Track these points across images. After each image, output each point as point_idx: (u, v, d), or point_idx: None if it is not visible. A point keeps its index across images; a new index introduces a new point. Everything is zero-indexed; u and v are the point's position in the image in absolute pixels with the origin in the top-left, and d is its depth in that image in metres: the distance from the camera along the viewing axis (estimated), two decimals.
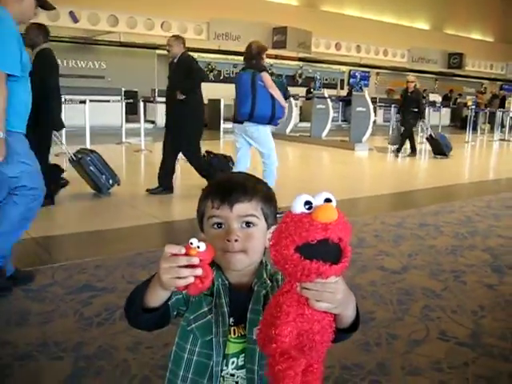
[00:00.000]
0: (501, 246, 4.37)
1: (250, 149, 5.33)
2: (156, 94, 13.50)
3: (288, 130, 14.16)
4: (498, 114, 17.47)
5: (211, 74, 17.39)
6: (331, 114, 14.00)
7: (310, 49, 17.42)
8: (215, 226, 1.11)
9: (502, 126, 17.84)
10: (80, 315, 2.75)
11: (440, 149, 10.78)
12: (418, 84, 11.46)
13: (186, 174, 7.47)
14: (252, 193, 1.12)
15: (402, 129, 11.14)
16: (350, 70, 21.31)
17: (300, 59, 18.63)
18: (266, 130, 5.12)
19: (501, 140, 16.35)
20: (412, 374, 2.28)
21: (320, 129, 13.41)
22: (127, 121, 11.70)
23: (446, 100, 21.39)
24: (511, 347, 2.57)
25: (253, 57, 5.05)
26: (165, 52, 15.84)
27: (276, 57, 17.78)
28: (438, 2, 23.46)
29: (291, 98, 14.49)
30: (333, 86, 20.58)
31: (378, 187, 7.29)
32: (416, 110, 10.85)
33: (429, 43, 21.62)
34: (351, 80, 21.38)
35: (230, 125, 14.51)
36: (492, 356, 2.48)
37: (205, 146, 11.92)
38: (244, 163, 5.26)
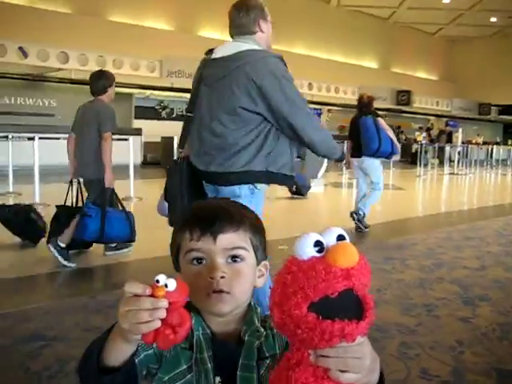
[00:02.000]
0: (467, 277, 4.30)
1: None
2: None
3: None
4: (447, 148, 17.94)
5: (164, 111, 17.24)
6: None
7: None
8: (195, 261, 0.91)
9: (451, 160, 18.31)
10: (26, 369, 2.46)
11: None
12: None
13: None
14: (239, 220, 0.94)
15: None
16: None
17: None
18: (379, 162, 6.25)
19: (450, 174, 16.73)
20: None
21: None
22: None
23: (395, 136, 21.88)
24: (496, 383, 2.44)
25: (365, 105, 6.37)
26: (116, 89, 15.69)
27: None
28: (385, 42, 24.28)
29: None
30: None
31: (338, 223, 7.20)
32: None
33: (378, 81, 22.19)
34: None
35: None
36: None
37: (159, 183, 11.77)
38: (364, 189, 6.31)
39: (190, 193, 2.52)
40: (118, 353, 0.80)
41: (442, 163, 18.79)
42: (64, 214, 4.49)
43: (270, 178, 2.45)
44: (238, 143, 2.38)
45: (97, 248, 4.74)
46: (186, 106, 2.70)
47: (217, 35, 18.20)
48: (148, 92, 16.57)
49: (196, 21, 17.92)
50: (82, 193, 4.62)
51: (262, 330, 0.94)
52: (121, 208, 4.69)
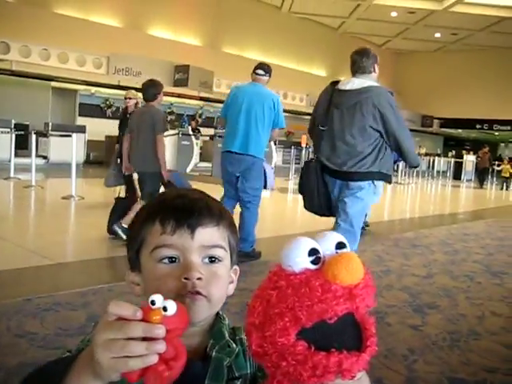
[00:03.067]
0: (416, 284, 4.30)
1: None
2: (50, 128, 12.74)
3: (188, 169, 13.88)
4: None
5: (109, 110, 16.81)
6: None
7: (212, 88, 17.41)
8: (166, 260, 0.75)
9: (394, 170, 18.68)
10: None
11: None
12: None
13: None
14: (219, 214, 0.80)
15: None
16: None
17: (201, 98, 18.55)
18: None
19: (394, 183, 17.03)
20: None
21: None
22: (16, 155, 10.86)
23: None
24: None
25: None
26: (60, 85, 15.20)
27: (178, 95, 17.59)
28: (334, 51, 24.60)
29: (193, 138, 14.32)
30: None
31: (280, 227, 7.14)
32: None
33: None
34: None
35: None
36: None
37: (99, 182, 11.43)
38: None
39: (322, 185, 3.56)
40: None
41: None
42: (122, 204, 5.42)
43: (381, 176, 3.53)
44: (364, 152, 3.41)
45: (33, 250, 4.46)
46: (318, 121, 3.63)
47: (167, 35, 17.95)
48: (93, 89, 16.12)
49: (145, 18, 17.58)
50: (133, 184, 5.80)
51: (234, 345, 0.80)
52: None
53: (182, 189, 0.87)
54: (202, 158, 15.88)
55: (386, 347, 2.86)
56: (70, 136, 8.39)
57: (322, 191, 3.57)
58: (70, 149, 8.22)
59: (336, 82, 3.63)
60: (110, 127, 15.51)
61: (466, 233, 7.40)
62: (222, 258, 0.79)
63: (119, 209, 5.32)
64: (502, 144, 34.21)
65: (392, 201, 13.17)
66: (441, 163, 22.37)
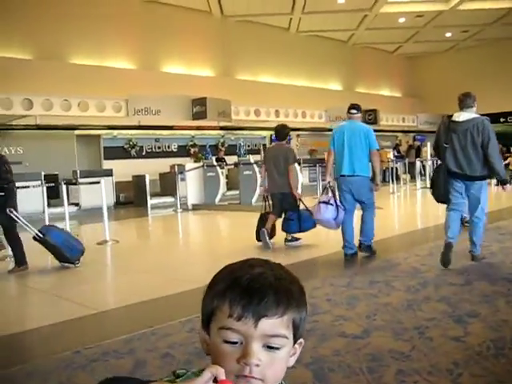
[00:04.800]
0: (454, 294, 4.29)
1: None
2: (78, 176, 13.05)
3: (217, 200, 14.02)
4: (418, 163, 18.16)
5: (133, 150, 17.14)
6: (259, 179, 14.02)
7: (230, 117, 17.59)
8: (229, 342, 0.83)
9: (422, 174, 18.53)
10: None
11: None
12: None
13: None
14: (286, 303, 0.84)
15: None
16: (271, 135, 21.68)
17: (221, 128, 18.77)
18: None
19: (423, 188, 16.90)
20: None
21: (249, 195, 13.33)
22: (49, 205, 11.13)
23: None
24: None
25: None
26: (83, 132, 15.61)
27: (197, 128, 17.84)
28: (347, 64, 24.68)
29: (218, 168, 14.48)
30: (256, 152, 20.80)
31: (316, 248, 7.15)
32: None
33: (343, 102, 22.35)
34: (272, 144, 21.73)
35: (157, 200, 14.32)
36: None
37: (134, 223, 11.62)
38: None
39: (447, 182, 5.34)
40: None
41: (413, 178, 19.00)
42: (265, 216, 7.19)
43: (487, 177, 5.39)
44: (477, 163, 5.18)
45: (74, 300, 4.58)
46: (439, 141, 5.46)
47: (181, 70, 18.29)
48: (115, 132, 16.48)
49: (158, 57, 17.95)
50: (268, 202, 7.34)
51: None
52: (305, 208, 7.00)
53: (258, 265, 0.89)
54: (229, 187, 16.02)
55: (430, 363, 2.88)
56: (98, 183, 8.58)
57: (446, 186, 5.38)
58: (100, 193, 8.41)
59: (450, 116, 5.42)
60: (136, 167, 15.84)
61: (502, 232, 7.30)
62: (282, 344, 0.84)
63: (264, 221, 7.13)
64: None
65: (423, 207, 13.07)
66: None
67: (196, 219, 12.28)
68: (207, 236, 9.74)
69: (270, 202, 7.30)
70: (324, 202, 6.18)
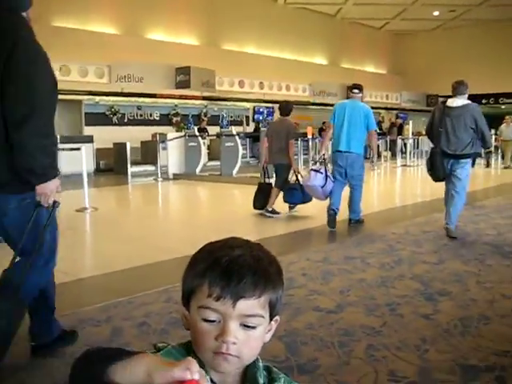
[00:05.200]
0: (427, 272, 4.39)
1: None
2: (58, 141, 12.88)
3: (198, 170, 14.01)
4: (399, 141, 18.28)
5: (115, 117, 16.97)
6: (240, 151, 14.03)
7: (214, 87, 17.48)
8: (208, 320, 0.87)
9: (402, 152, 18.68)
10: None
11: None
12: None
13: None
14: (263, 285, 0.88)
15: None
16: (255, 107, 21.61)
17: (204, 98, 18.65)
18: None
19: (403, 165, 17.08)
20: None
21: (230, 166, 13.35)
22: None
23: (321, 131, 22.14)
24: (461, 381, 2.49)
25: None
26: (65, 97, 15.36)
27: (180, 97, 17.70)
28: (333, 38, 24.57)
29: (199, 138, 14.43)
30: (239, 123, 20.73)
31: (295, 222, 7.24)
32: None
33: (328, 77, 22.42)
34: (256, 116, 21.66)
35: (137, 168, 14.25)
36: None
37: (114, 191, 11.58)
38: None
39: (442, 162, 5.82)
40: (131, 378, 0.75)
41: (394, 155, 19.15)
42: (265, 187, 7.60)
43: (475, 154, 6.08)
44: (466, 142, 5.68)
45: None
46: (433, 125, 5.99)
47: (165, 37, 18.05)
48: (97, 98, 16.29)
49: (143, 23, 17.68)
50: (267, 173, 7.82)
51: None
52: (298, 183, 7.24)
53: (238, 245, 0.92)
54: (210, 157, 16.01)
55: (399, 339, 2.97)
56: (79, 149, 8.51)
57: (443, 166, 5.84)
58: (80, 160, 8.35)
59: (444, 102, 5.98)
60: (117, 134, 15.71)
61: (476, 213, 7.45)
62: (258, 323, 0.89)
63: (263, 190, 7.58)
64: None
65: (402, 184, 13.23)
66: None
67: (176, 189, 12.28)
68: (187, 206, 9.77)
69: (272, 174, 7.83)
70: (315, 170, 6.68)
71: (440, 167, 5.85)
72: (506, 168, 16.47)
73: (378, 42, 27.22)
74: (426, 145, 20.23)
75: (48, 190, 2.48)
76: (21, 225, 2.46)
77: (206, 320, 0.87)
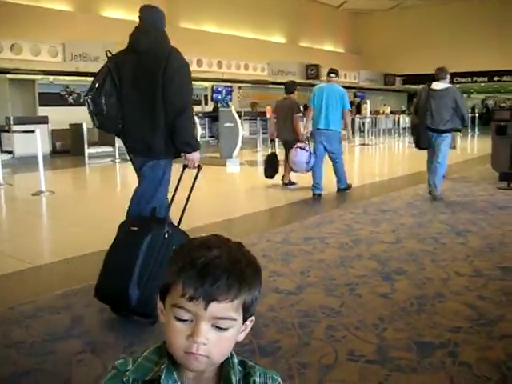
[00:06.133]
0: (384, 252, 4.49)
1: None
2: (11, 122, 12.54)
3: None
4: (356, 120, 18.46)
5: (70, 97, 16.56)
6: (200, 131, 13.93)
7: None
8: (180, 319, 0.88)
9: (361, 130, 18.90)
10: None
11: None
12: None
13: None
14: (238, 288, 0.88)
15: None
16: (213, 86, 21.42)
17: None
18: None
19: (361, 144, 17.28)
20: None
21: None
22: None
23: (306, 110, 22.26)
24: (417, 358, 2.57)
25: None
26: (17, 76, 14.91)
27: None
28: (292, 17, 24.48)
29: None
30: (197, 103, 20.54)
31: (256, 203, 7.27)
32: None
33: (286, 56, 22.39)
34: (214, 95, 21.49)
35: (95, 149, 13.98)
36: (402, 370, 2.46)
37: (71, 173, 11.37)
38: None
39: (427, 135, 6.86)
40: None
41: (352, 134, 19.33)
42: (272, 157, 8.54)
43: (454, 129, 7.16)
44: (447, 118, 6.71)
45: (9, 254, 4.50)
46: (419, 104, 7.01)
47: (120, 14, 17.62)
48: (51, 77, 15.84)
49: (96, 0, 17.23)
50: (274, 145, 9.17)
51: None
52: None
53: (216, 246, 0.91)
54: None
55: (358, 318, 3.05)
56: (33, 131, 8.30)
57: (427, 138, 6.90)
58: (35, 141, 8.15)
59: (430, 85, 6.94)
60: (74, 114, 15.33)
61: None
62: (230, 326, 0.89)
63: (271, 160, 8.50)
64: (465, 95, 34.66)
65: (360, 164, 13.40)
66: (406, 120, 22.65)
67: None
68: None
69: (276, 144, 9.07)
70: (301, 148, 7.64)
71: (424, 139, 6.92)
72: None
73: (337, 21, 27.31)
74: (384, 123, 20.57)
75: (195, 158, 3.49)
76: (155, 178, 3.51)
77: (178, 319, 0.87)
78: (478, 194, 7.41)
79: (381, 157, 15.55)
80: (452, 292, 3.49)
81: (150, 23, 3.49)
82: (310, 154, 7.50)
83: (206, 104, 20.75)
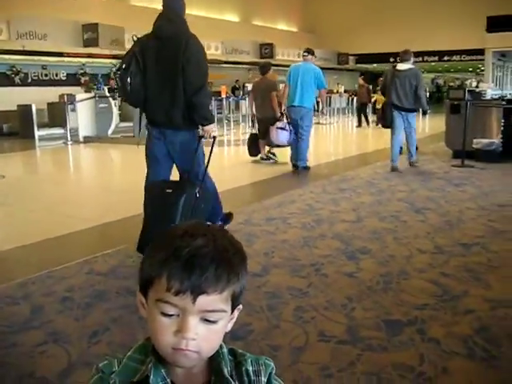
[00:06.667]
0: (347, 231, 4.50)
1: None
2: None
3: (110, 132, 13.54)
4: None
5: (17, 77, 15.96)
6: None
7: (124, 45, 16.79)
8: (166, 314, 0.81)
9: (315, 109, 18.90)
10: None
11: None
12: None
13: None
14: (227, 278, 0.82)
15: None
16: None
17: (114, 57, 17.89)
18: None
19: (316, 123, 17.29)
20: None
21: (144, 128, 12.95)
22: None
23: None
24: (387, 337, 2.58)
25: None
26: None
27: (88, 56, 16.90)
28: None
29: (110, 99, 13.91)
30: None
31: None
32: None
33: (240, 35, 22.16)
34: None
35: (45, 131, 13.54)
36: (373, 349, 2.46)
37: (21, 156, 10.97)
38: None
39: (392, 113, 7.50)
40: None
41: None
42: (255, 137, 8.92)
43: (417, 109, 8.09)
44: (411, 97, 7.39)
45: None
46: (386, 84, 7.72)
47: None
48: None
49: None
50: (254, 125, 9.36)
51: (233, 383, 0.87)
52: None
53: (201, 234, 0.84)
54: (122, 119, 15.48)
55: (326, 299, 3.04)
56: None
57: (391, 116, 7.52)
58: None
59: (395, 66, 7.64)
60: (21, 95, 14.79)
61: (388, 170, 7.70)
62: (219, 319, 0.83)
63: (253, 140, 8.91)
64: None
65: (316, 143, 13.42)
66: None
67: (88, 152, 11.84)
68: (101, 170, 9.43)
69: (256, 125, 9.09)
70: (280, 128, 7.99)
71: (389, 116, 7.56)
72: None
73: (289, 0, 27.18)
74: (338, 102, 20.68)
75: (211, 129, 4.04)
76: (184, 148, 4.03)
77: (164, 314, 0.81)
78: (433, 172, 7.55)
79: (336, 136, 15.66)
80: (416, 269, 3.52)
81: (173, 10, 4.04)
82: (290, 131, 7.89)
83: None
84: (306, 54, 8.11)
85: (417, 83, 7.37)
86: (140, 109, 4.11)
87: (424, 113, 8.73)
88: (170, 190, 3.76)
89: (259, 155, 8.85)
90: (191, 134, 4.04)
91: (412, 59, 7.69)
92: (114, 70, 18.57)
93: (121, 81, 3.94)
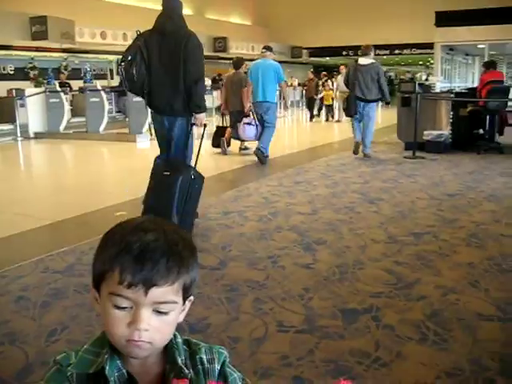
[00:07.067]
0: (303, 223, 4.57)
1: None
2: None
3: (61, 128, 13.25)
4: None
5: None
6: (107, 106, 13.45)
7: (74, 38, 16.46)
8: (119, 307, 0.83)
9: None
10: None
11: None
12: None
13: None
14: (177, 271, 0.84)
15: None
16: (119, 59, 20.73)
17: (64, 50, 17.52)
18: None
19: None
20: (266, 377, 2.19)
21: (96, 123, 12.77)
22: None
23: (215, 83, 22.05)
24: (343, 325, 2.64)
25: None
26: None
27: (37, 49, 16.47)
28: None
29: (61, 93, 13.60)
30: (103, 77, 19.82)
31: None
32: None
33: (193, 28, 21.82)
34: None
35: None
36: (330, 337, 2.52)
37: None
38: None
39: (356, 105, 8.10)
40: None
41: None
42: (220, 130, 9.29)
43: (378, 100, 8.63)
44: (374, 89, 7.99)
45: None
46: (349, 78, 8.26)
47: None
48: None
49: None
50: (224, 118, 9.44)
51: (186, 371, 0.89)
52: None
53: (152, 229, 0.86)
54: (74, 114, 15.17)
55: (283, 290, 3.08)
56: None
57: (355, 107, 8.05)
58: None
59: (357, 61, 8.16)
60: None
61: (343, 162, 7.85)
62: (171, 310, 0.86)
63: (218, 132, 9.31)
64: None
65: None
66: None
67: (39, 149, 11.57)
68: (53, 167, 9.23)
69: (227, 118, 9.34)
70: (247, 124, 8.38)
71: (353, 107, 8.10)
72: (338, 121, 16.14)
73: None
74: (292, 96, 20.81)
75: (202, 117, 4.49)
76: (181, 133, 4.51)
77: (117, 307, 0.83)
78: (386, 163, 7.73)
79: (290, 129, 15.77)
80: (370, 259, 3.61)
81: (172, 9, 4.47)
82: (257, 126, 8.27)
83: (112, 78, 20.06)
84: (264, 50, 8.43)
85: (379, 77, 7.90)
86: (144, 98, 4.50)
87: (387, 103, 9.41)
88: (167, 173, 4.20)
89: (237, 147, 9.24)
90: (188, 121, 4.48)
91: (372, 54, 8.22)
92: (64, 64, 18.22)
93: (125, 71, 4.29)
